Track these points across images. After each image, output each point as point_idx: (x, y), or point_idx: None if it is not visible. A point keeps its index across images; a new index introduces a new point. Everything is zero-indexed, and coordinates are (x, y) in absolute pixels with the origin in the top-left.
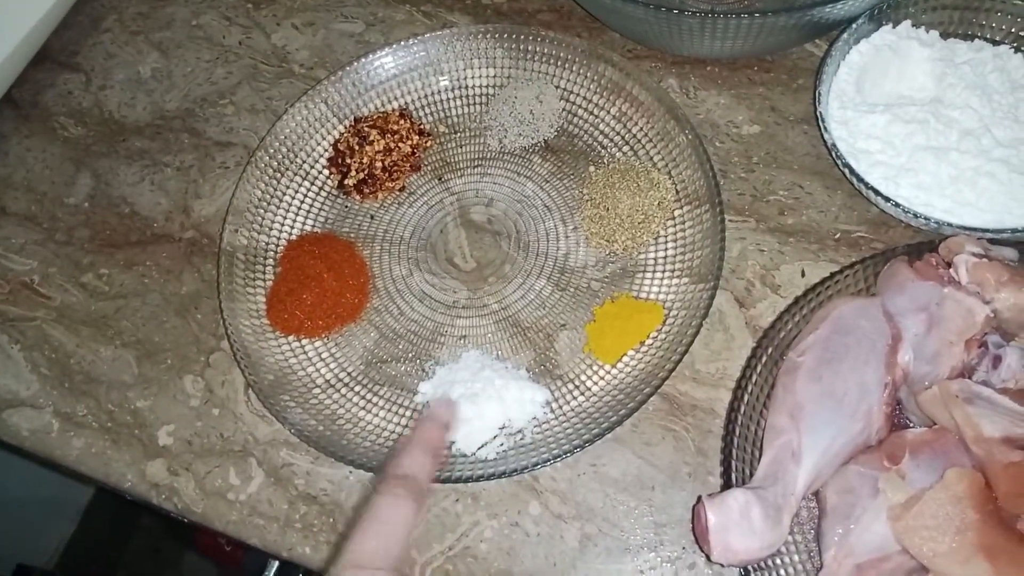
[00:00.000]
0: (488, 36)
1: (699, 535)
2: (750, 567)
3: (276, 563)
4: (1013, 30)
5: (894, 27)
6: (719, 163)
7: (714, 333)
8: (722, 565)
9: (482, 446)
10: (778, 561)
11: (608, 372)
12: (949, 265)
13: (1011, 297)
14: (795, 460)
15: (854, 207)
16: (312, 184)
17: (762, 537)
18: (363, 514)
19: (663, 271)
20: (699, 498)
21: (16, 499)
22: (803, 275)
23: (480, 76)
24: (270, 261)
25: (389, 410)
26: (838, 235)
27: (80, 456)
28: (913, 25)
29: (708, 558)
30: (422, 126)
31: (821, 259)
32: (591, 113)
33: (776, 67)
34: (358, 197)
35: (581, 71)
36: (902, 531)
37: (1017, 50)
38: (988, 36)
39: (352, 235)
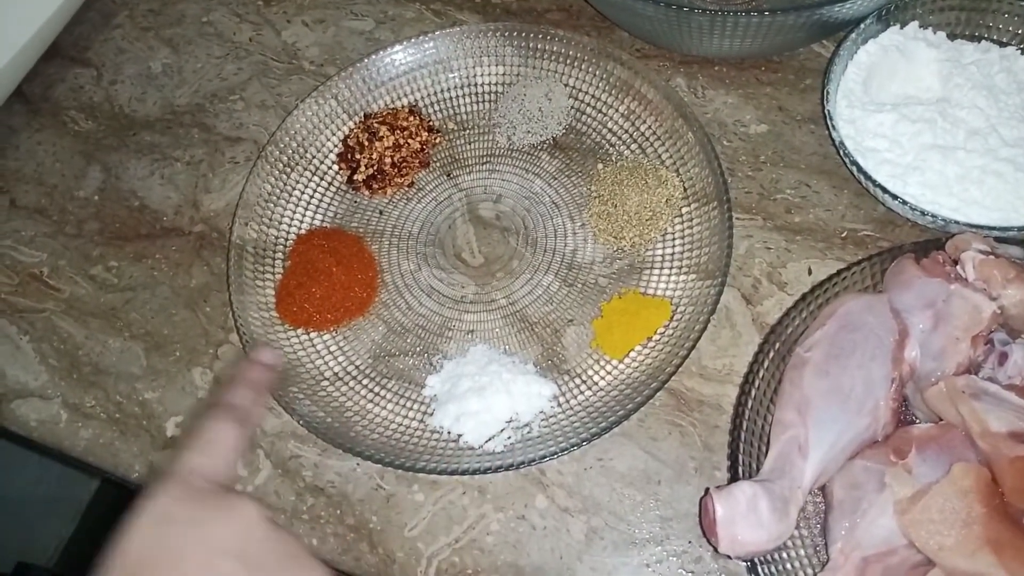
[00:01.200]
0: (497, 34)
1: (706, 527)
2: (757, 560)
3: None
4: (1020, 32)
5: (901, 28)
6: (727, 161)
7: (721, 330)
8: (729, 557)
9: (489, 439)
10: (784, 555)
11: (615, 367)
12: (956, 262)
13: (1017, 294)
14: (802, 454)
15: (861, 206)
16: (322, 179)
17: (769, 529)
18: (190, 435)
19: (670, 268)
20: (706, 490)
21: (16, 497)
22: (810, 273)
23: (489, 74)
24: (279, 255)
25: (397, 403)
26: (845, 233)
27: (88, 447)
28: (920, 26)
29: (715, 550)
30: (431, 123)
31: (828, 257)
32: (599, 111)
33: (783, 67)
34: (367, 192)
35: (590, 69)
36: (908, 525)
37: None
38: (995, 37)
39: (361, 230)
